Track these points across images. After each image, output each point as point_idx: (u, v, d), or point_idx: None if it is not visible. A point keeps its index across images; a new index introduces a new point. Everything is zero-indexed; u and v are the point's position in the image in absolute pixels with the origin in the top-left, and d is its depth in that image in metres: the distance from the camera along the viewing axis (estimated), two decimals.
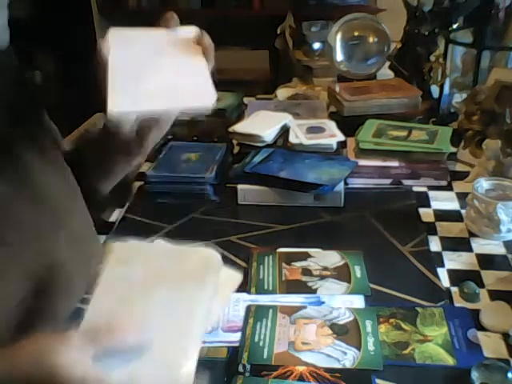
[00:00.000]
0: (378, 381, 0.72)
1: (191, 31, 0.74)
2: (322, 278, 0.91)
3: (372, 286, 0.89)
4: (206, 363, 0.75)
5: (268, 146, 1.27)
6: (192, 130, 1.38)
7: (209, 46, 0.73)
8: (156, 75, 0.66)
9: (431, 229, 1.05)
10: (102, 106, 0.64)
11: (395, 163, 1.21)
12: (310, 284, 0.90)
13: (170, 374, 0.56)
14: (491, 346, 0.77)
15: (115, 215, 1.11)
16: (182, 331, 0.59)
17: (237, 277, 0.68)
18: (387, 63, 1.62)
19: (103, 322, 0.56)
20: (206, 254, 0.65)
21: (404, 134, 1.27)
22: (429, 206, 1.13)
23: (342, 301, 0.86)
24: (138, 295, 0.62)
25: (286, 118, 1.34)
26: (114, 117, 0.62)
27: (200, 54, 0.72)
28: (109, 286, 0.62)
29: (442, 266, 0.94)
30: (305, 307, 0.85)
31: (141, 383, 0.56)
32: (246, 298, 0.87)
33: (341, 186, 1.12)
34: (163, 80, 0.66)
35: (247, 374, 0.73)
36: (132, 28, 0.73)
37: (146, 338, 0.56)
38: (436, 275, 0.92)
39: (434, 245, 1.00)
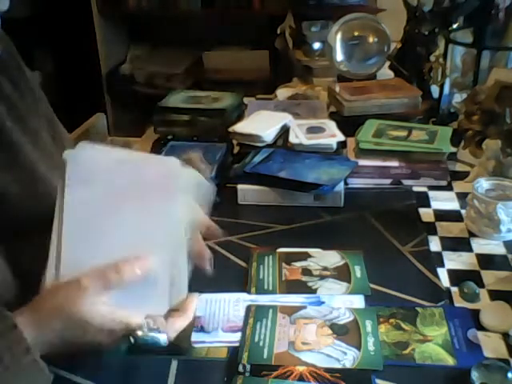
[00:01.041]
0: (377, 381, 0.72)
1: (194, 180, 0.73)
2: (322, 278, 0.91)
3: (372, 286, 0.89)
4: (206, 363, 0.76)
5: (268, 145, 1.27)
6: (192, 130, 1.38)
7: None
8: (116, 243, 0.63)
9: (431, 229, 1.05)
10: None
11: (395, 163, 1.21)
12: (309, 284, 0.90)
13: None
14: (491, 346, 0.77)
15: None
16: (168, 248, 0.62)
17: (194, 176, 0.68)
18: (387, 63, 1.62)
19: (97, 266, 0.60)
20: (164, 163, 0.65)
21: (404, 133, 1.27)
22: (429, 206, 1.13)
23: (342, 301, 0.86)
24: (106, 221, 0.63)
25: (285, 118, 1.34)
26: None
27: (182, 220, 0.66)
28: (75, 212, 0.63)
29: (442, 266, 0.94)
30: (305, 307, 0.85)
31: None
32: (246, 298, 0.87)
33: (341, 186, 1.12)
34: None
35: (247, 374, 0.73)
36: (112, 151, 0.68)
37: (148, 268, 0.61)
38: (436, 275, 0.92)
39: (434, 245, 1.00)
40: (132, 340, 0.62)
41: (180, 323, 0.68)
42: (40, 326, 0.59)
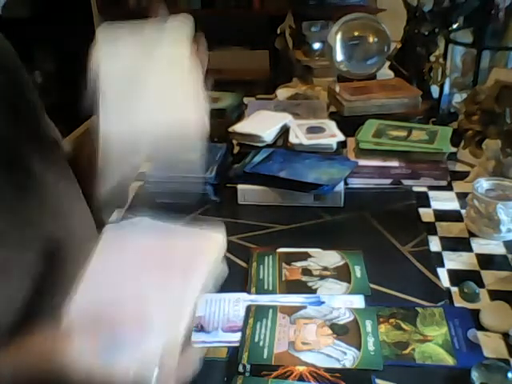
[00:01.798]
0: (377, 381, 0.72)
1: (182, 25, 0.73)
2: (322, 278, 0.91)
3: (372, 286, 0.89)
4: (205, 363, 0.75)
5: (268, 145, 1.27)
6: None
7: (202, 49, 0.71)
8: (144, 93, 0.66)
9: (431, 229, 1.05)
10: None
11: (395, 163, 1.21)
12: (310, 284, 0.90)
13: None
14: (491, 345, 0.77)
15: (115, 215, 1.11)
16: (174, 317, 0.60)
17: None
18: (387, 63, 1.62)
19: (96, 312, 0.58)
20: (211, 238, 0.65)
21: (404, 134, 1.27)
22: (429, 206, 1.13)
23: (342, 301, 0.86)
24: (127, 280, 0.62)
25: (285, 118, 1.34)
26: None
27: (191, 58, 0.71)
28: (98, 270, 0.62)
29: (442, 266, 0.94)
30: (305, 307, 0.85)
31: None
32: (246, 298, 0.87)
33: (341, 186, 1.12)
34: (153, 98, 0.66)
35: (247, 374, 0.73)
36: (119, 26, 0.72)
37: (145, 326, 0.58)
38: (436, 275, 0.92)
39: (434, 245, 1.00)
40: None
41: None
42: (18, 369, 0.57)
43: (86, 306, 0.59)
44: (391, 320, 0.82)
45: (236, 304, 0.86)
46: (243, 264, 0.96)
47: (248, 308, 0.85)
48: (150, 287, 0.61)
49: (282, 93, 1.68)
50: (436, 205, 1.13)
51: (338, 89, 1.48)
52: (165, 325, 0.59)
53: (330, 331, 0.80)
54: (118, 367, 0.56)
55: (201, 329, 0.81)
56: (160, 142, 0.67)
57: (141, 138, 0.65)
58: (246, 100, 1.57)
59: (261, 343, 0.78)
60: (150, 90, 0.66)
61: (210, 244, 0.67)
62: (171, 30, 0.71)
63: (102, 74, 0.66)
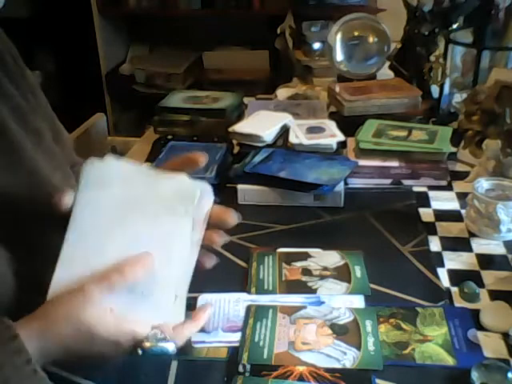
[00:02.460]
0: (377, 381, 0.72)
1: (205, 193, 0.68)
2: (322, 278, 0.91)
3: (372, 286, 0.89)
4: (206, 363, 0.76)
5: (268, 145, 1.27)
6: (192, 130, 1.38)
7: (226, 217, 0.72)
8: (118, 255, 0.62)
9: (431, 229, 1.05)
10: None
11: (395, 163, 1.21)
12: (309, 284, 0.90)
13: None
14: (491, 345, 0.77)
15: None
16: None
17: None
18: (387, 63, 1.62)
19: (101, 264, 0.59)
20: (182, 185, 0.65)
21: (404, 134, 1.27)
22: (429, 206, 1.13)
23: (342, 301, 0.86)
24: (111, 229, 0.62)
25: (285, 118, 1.34)
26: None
27: (187, 231, 0.64)
28: (84, 214, 0.62)
29: (442, 266, 0.94)
30: (305, 307, 0.85)
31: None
32: (246, 298, 0.87)
33: (341, 186, 1.12)
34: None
35: (247, 374, 0.73)
36: (124, 164, 0.67)
37: (151, 267, 0.60)
38: (436, 275, 0.92)
39: (434, 245, 1.00)
40: (140, 352, 0.60)
41: (189, 330, 0.65)
42: (45, 336, 0.58)
43: (77, 267, 0.60)
44: (391, 320, 0.82)
45: (236, 304, 0.86)
46: (243, 264, 0.96)
47: (248, 308, 0.85)
48: (141, 228, 0.62)
49: (282, 93, 1.68)
50: (436, 205, 1.13)
51: (337, 89, 1.48)
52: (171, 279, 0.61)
53: (329, 331, 0.80)
54: (140, 324, 0.60)
55: (201, 329, 0.80)
56: None
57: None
58: (246, 100, 1.57)
59: (261, 343, 0.78)
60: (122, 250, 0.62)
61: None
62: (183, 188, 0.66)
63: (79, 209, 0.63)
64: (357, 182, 1.20)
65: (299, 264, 0.95)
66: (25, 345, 0.56)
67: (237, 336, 0.79)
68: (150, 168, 0.69)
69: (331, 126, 1.31)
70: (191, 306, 0.73)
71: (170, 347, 0.61)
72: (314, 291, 0.88)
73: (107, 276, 0.59)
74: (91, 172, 0.65)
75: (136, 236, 0.62)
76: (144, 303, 0.61)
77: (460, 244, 1.00)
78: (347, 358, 0.75)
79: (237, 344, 0.78)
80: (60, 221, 0.67)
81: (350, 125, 1.33)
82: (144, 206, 0.64)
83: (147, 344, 0.60)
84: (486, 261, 0.95)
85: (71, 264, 0.61)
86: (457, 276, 0.91)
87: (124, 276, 0.59)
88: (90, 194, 0.64)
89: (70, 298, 0.59)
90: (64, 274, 0.61)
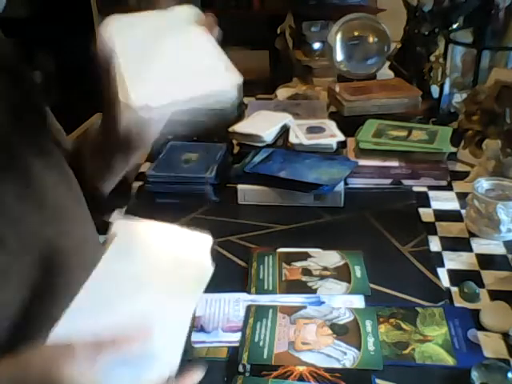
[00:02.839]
0: (377, 381, 0.72)
1: (190, 10, 0.72)
2: (322, 278, 0.91)
3: (372, 286, 0.89)
4: (205, 363, 0.75)
5: (268, 145, 1.27)
6: (192, 130, 1.38)
7: (212, 22, 0.70)
8: (169, 61, 0.65)
9: (431, 229, 1.05)
10: (103, 98, 0.63)
11: (395, 163, 1.21)
12: (309, 284, 0.90)
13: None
14: (491, 345, 0.77)
15: (115, 215, 1.11)
16: (173, 339, 0.60)
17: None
18: (387, 63, 1.62)
19: (95, 332, 0.56)
20: (203, 267, 0.66)
21: (404, 134, 1.27)
22: (429, 206, 1.13)
23: (342, 301, 0.86)
24: (123, 298, 0.62)
25: (285, 118, 1.34)
26: (139, 109, 0.61)
27: (205, 33, 0.70)
28: (101, 279, 0.62)
29: (442, 266, 0.94)
30: (305, 307, 0.85)
31: None
32: (246, 298, 0.87)
33: (341, 186, 1.12)
34: (179, 66, 0.65)
35: (247, 374, 0.73)
36: (129, 15, 0.72)
37: (149, 346, 0.57)
38: (436, 275, 0.92)
39: (434, 245, 1.00)
40: None
41: None
42: (11, 379, 0.54)
43: (81, 326, 0.58)
44: (391, 320, 0.82)
45: (236, 304, 0.86)
46: (243, 264, 0.96)
47: (248, 308, 0.85)
48: (151, 306, 0.61)
49: (282, 93, 1.68)
50: (436, 205, 1.13)
51: (337, 89, 1.48)
52: (165, 353, 0.59)
53: (329, 331, 0.80)
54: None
55: (201, 329, 0.81)
56: (194, 101, 0.65)
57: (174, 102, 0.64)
58: (246, 100, 1.57)
59: (261, 343, 0.78)
60: (171, 57, 0.66)
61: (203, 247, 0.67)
62: (180, 13, 0.71)
63: (118, 46, 0.66)
64: (357, 182, 1.20)
65: (299, 264, 0.95)
66: None
67: (237, 336, 0.79)
68: (177, 231, 0.70)
69: (331, 126, 1.31)
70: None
71: None
72: (314, 291, 0.88)
73: (100, 342, 0.55)
74: (120, 238, 0.65)
75: (146, 306, 0.62)
76: (126, 373, 0.57)
77: (460, 244, 1.00)
78: (347, 358, 0.75)
79: (237, 344, 0.78)
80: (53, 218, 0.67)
81: (350, 125, 1.33)
82: (161, 281, 0.64)
83: None
84: (486, 261, 0.95)
85: (76, 316, 0.60)
86: (457, 276, 0.91)
87: (117, 347, 0.55)
88: (113, 264, 0.64)
89: (53, 348, 0.55)
90: (66, 325, 0.59)
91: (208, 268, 0.66)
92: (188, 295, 0.64)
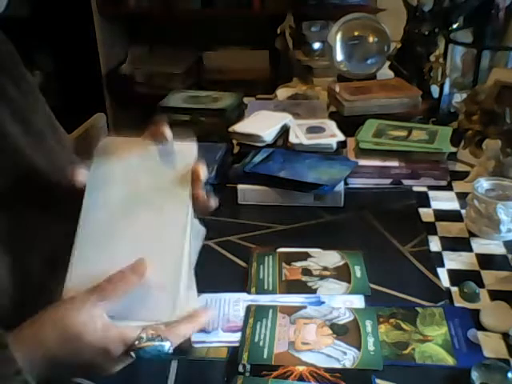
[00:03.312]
0: (377, 381, 0.72)
1: (188, 156, 0.69)
2: (322, 277, 0.91)
3: (372, 286, 0.89)
4: (205, 363, 0.76)
5: (268, 145, 1.27)
6: (192, 130, 1.38)
7: (204, 170, 0.69)
8: (126, 247, 0.63)
9: (431, 229, 1.05)
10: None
11: (395, 163, 1.21)
12: (309, 284, 0.90)
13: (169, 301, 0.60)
14: (491, 345, 0.77)
15: None
16: (172, 256, 0.62)
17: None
18: (387, 63, 1.62)
19: (98, 271, 0.59)
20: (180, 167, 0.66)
21: (404, 134, 1.27)
22: (429, 205, 1.13)
23: (342, 301, 0.86)
24: (120, 224, 0.63)
25: (285, 118, 1.34)
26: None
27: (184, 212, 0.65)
28: (91, 216, 0.64)
29: (442, 266, 0.94)
30: (305, 307, 0.85)
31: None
32: (246, 298, 0.87)
33: (341, 186, 1.12)
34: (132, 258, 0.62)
35: (247, 374, 0.73)
36: (122, 145, 0.69)
37: (145, 278, 0.60)
38: (436, 275, 0.92)
39: (434, 245, 1.00)
40: (133, 355, 0.58)
41: (185, 329, 0.62)
42: (34, 343, 0.57)
43: (91, 270, 0.60)
44: (391, 320, 0.82)
45: (236, 304, 0.86)
46: (243, 264, 0.96)
47: (248, 308, 0.85)
48: (147, 221, 0.63)
49: (282, 93, 1.68)
50: (436, 205, 1.13)
51: (337, 89, 1.48)
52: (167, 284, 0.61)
53: (329, 331, 0.80)
54: (130, 329, 0.58)
55: (201, 329, 0.80)
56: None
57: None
58: (246, 100, 1.57)
59: (261, 343, 0.78)
60: (134, 238, 0.63)
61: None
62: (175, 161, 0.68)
63: (87, 200, 0.65)
64: (357, 182, 1.20)
65: (299, 264, 0.95)
66: (15, 355, 0.55)
67: (237, 336, 0.79)
68: (148, 147, 0.69)
69: (331, 125, 1.31)
70: None
71: (166, 346, 0.59)
72: (314, 291, 0.88)
73: (99, 287, 0.58)
74: (97, 170, 0.66)
75: (141, 232, 0.63)
76: (134, 306, 0.60)
77: (460, 244, 1.00)
78: (347, 357, 0.75)
79: (237, 344, 0.78)
80: (60, 219, 0.67)
81: (350, 125, 1.33)
82: (148, 197, 0.65)
83: (140, 345, 0.58)
84: (486, 261, 0.95)
85: (82, 266, 0.61)
86: (457, 276, 0.91)
87: (115, 289, 0.58)
88: (96, 194, 0.65)
89: (61, 305, 0.58)
90: (75, 278, 0.60)
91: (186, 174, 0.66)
92: (178, 198, 0.65)
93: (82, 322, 0.56)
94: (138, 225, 0.64)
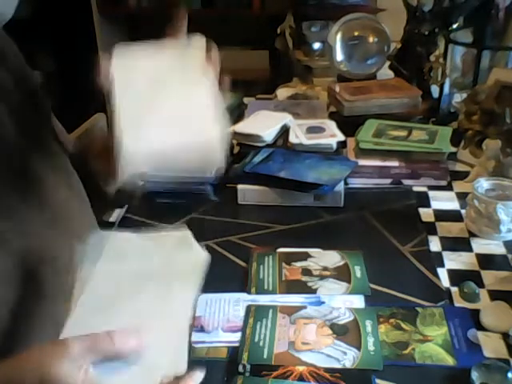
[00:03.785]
0: (377, 381, 0.72)
1: (199, 46, 0.72)
2: (322, 278, 0.91)
3: (372, 286, 0.89)
4: (205, 363, 0.76)
5: (268, 145, 1.27)
6: None
7: (216, 58, 0.71)
8: (164, 112, 0.66)
9: (431, 229, 1.05)
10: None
11: (395, 163, 1.21)
12: (309, 284, 0.90)
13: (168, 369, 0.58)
14: (491, 345, 0.77)
15: (115, 215, 1.11)
16: (172, 331, 0.60)
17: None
18: (387, 63, 1.62)
19: (93, 328, 0.56)
20: (195, 255, 0.67)
21: (404, 134, 1.27)
22: (429, 205, 1.13)
23: (342, 301, 0.86)
24: (125, 295, 0.62)
25: (285, 118, 1.34)
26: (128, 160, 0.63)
27: (206, 80, 0.69)
28: (100, 284, 0.63)
29: (442, 266, 0.94)
30: (305, 307, 0.85)
31: None
32: (246, 298, 0.87)
33: (341, 186, 1.12)
34: (173, 118, 0.66)
35: (247, 374, 0.73)
36: (138, 46, 0.72)
37: (144, 343, 0.57)
38: (436, 275, 0.92)
39: (434, 245, 1.00)
40: None
41: None
42: (9, 381, 0.54)
43: (82, 326, 0.59)
44: (391, 320, 0.82)
45: (236, 304, 0.86)
46: (243, 264, 0.96)
47: (248, 308, 0.85)
48: (149, 305, 0.62)
49: (282, 93, 1.68)
50: (436, 205, 1.13)
51: (337, 89, 1.48)
52: (164, 354, 0.59)
53: (329, 331, 0.80)
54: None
55: (201, 329, 0.81)
56: (179, 159, 0.66)
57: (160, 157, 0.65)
58: (246, 100, 1.57)
59: (261, 343, 0.78)
60: (168, 108, 0.66)
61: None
62: (186, 57, 0.71)
63: (117, 90, 0.67)
64: (357, 182, 1.20)
65: (299, 264, 0.95)
66: None
67: (237, 336, 0.79)
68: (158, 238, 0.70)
69: (331, 125, 1.31)
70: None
71: None
72: (314, 291, 0.88)
73: (95, 337, 0.55)
74: (111, 243, 0.67)
75: (146, 305, 0.63)
76: (122, 373, 0.57)
77: (460, 244, 1.00)
78: (347, 357, 0.75)
79: (237, 344, 0.78)
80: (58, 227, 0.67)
81: (349, 125, 1.33)
82: (158, 277, 0.65)
83: None
84: (486, 261, 0.95)
85: (76, 322, 0.60)
86: (457, 276, 0.91)
87: (113, 343, 0.55)
88: (108, 266, 0.65)
89: (49, 346, 0.55)
90: (67, 331, 0.60)
91: (202, 255, 0.67)
92: (187, 286, 0.65)
93: (66, 371, 0.52)
94: (144, 298, 0.63)
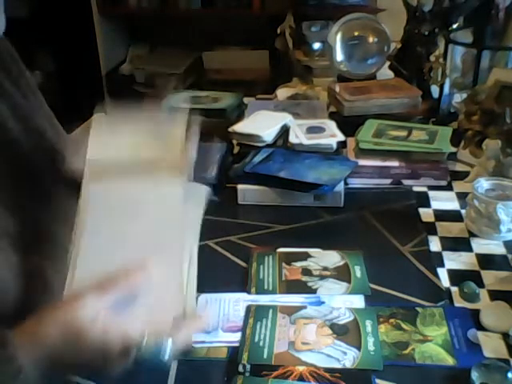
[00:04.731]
0: (377, 381, 0.72)
1: (180, 122, 0.71)
2: (322, 277, 0.91)
3: (372, 285, 0.89)
4: (206, 363, 0.76)
5: (268, 145, 1.27)
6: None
7: (195, 139, 0.73)
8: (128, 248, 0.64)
9: (431, 229, 1.05)
10: None
11: (395, 163, 1.21)
12: (309, 284, 0.90)
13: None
14: (491, 345, 0.77)
15: None
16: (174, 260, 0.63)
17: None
18: (387, 63, 1.62)
19: (103, 270, 0.59)
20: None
21: (404, 134, 1.27)
22: (429, 205, 1.13)
23: (342, 301, 0.86)
24: (123, 228, 0.63)
25: (285, 118, 1.34)
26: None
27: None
28: (95, 214, 0.64)
29: (442, 266, 0.94)
30: (305, 307, 0.85)
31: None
32: (246, 298, 0.87)
33: (341, 186, 1.12)
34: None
35: (247, 374, 0.73)
36: (117, 119, 0.70)
37: (152, 277, 0.59)
38: (436, 275, 0.92)
39: (434, 245, 1.00)
40: (133, 354, 0.58)
41: (187, 330, 0.61)
42: (35, 340, 0.57)
43: (90, 272, 0.60)
44: (391, 320, 0.82)
45: (236, 304, 0.86)
46: (243, 264, 0.96)
47: (248, 308, 0.85)
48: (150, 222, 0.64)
49: (282, 93, 1.68)
50: (436, 205, 1.13)
51: (337, 89, 1.48)
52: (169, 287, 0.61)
53: (329, 331, 0.80)
54: (132, 327, 0.58)
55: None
56: None
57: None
58: (246, 100, 1.57)
59: (261, 343, 0.78)
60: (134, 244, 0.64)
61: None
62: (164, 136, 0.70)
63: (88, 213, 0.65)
64: (357, 182, 1.20)
65: (299, 264, 0.95)
66: (16, 353, 0.55)
67: (237, 336, 0.79)
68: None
69: (331, 125, 1.31)
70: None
71: (167, 347, 0.58)
72: (314, 291, 0.88)
73: (103, 284, 0.58)
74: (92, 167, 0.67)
75: (142, 235, 0.63)
76: (138, 305, 0.60)
77: (460, 244, 1.00)
78: (347, 357, 0.75)
79: (237, 344, 0.78)
80: (60, 217, 0.68)
81: (349, 125, 1.33)
82: (147, 205, 0.66)
83: (141, 345, 0.57)
84: (486, 261, 0.95)
85: (86, 264, 0.61)
86: (457, 276, 0.91)
87: (119, 286, 0.58)
88: (99, 192, 0.65)
89: (64, 301, 0.59)
90: (78, 275, 0.60)
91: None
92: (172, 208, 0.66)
93: (84, 318, 0.56)
94: (139, 228, 0.64)
